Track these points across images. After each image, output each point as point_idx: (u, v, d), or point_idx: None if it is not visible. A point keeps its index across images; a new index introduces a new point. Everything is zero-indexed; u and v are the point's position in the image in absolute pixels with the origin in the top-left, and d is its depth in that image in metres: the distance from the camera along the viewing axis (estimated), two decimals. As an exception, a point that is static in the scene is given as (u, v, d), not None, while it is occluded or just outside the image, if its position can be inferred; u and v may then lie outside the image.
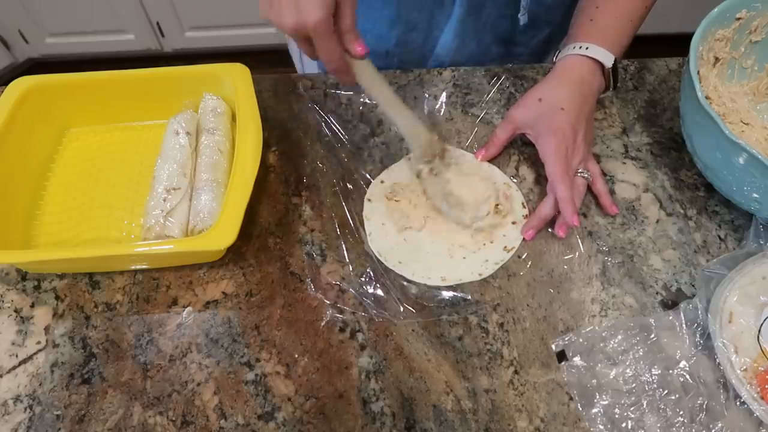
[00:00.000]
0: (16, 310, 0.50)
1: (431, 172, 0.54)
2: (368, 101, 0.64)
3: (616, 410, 0.44)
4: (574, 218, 0.51)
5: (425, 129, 0.53)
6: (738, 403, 0.44)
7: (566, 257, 0.53)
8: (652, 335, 0.47)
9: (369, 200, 0.56)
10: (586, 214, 0.56)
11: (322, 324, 0.49)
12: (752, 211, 0.52)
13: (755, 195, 0.49)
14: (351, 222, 0.54)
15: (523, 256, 0.53)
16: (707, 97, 0.57)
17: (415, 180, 0.56)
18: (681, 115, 0.55)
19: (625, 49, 0.58)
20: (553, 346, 0.48)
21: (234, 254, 0.52)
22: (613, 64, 0.55)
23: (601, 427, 0.44)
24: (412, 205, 0.55)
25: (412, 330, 0.49)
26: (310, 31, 0.43)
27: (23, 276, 0.51)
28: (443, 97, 0.64)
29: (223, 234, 0.46)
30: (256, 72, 0.58)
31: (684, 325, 0.48)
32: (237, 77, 0.56)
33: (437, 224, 0.54)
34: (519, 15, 0.66)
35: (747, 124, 0.60)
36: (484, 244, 0.53)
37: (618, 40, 0.56)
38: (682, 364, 0.46)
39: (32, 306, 0.50)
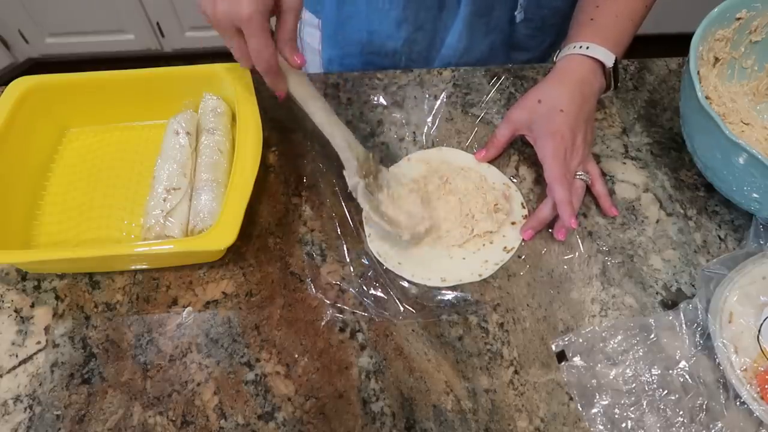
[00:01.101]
0: (16, 310, 0.50)
1: (366, 188, 0.52)
2: (369, 101, 0.64)
3: (616, 410, 0.44)
4: (572, 221, 0.51)
5: (361, 146, 0.52)
6: (738, 403, 0.44)
7: (566, 257, 0.53)
8: (652, 335, 0.47)
9: (369, 200, 0.56)
10: (586, 214, 0.56)
11: (322, 324, 0.49)
12: (752, 211, 0.52)
13: (755, 195, 0.49)
14: (351, 222, 0.54)
15: (523, 257, 0.53)
16: (707, 97, 0.57)
17: (408, 184, 0.56)
18: (681, 115, 0.55)
19: (625, 49, 0.58)
20: (553, 346, 0.48)
21: (234, 254, 0.52)
22: (614, 64, 0.55)
23: (601, 427, 0.44)
24: (405, 213, 0.54)
25: (412, 330, 0.49)
26: (243, 22, 0.42)
27: (23, 276, 0.51)
28: (443, 97, 0.64)
29: (223, 234, 0.46)
30: (256, 72, 0.58)
31: (684, 325, 0.48)
32: (237, 77, 0.56)
33: (436, 229, 0.54)
34: (516, 12, 0.67)
35: (747, 124, 0.60)
36: (484, 245, 0.53)
37: (619, 39, 0.56)
38: (682, 364, 0.46)
39: (32, 306, 0.50)
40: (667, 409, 0.44)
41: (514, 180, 0.58)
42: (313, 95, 0.52)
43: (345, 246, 0.53)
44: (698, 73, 0.50)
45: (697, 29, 0.52)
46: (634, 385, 0.45)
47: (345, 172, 0.52)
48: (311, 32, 0.74)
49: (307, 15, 0.72)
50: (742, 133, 0.59)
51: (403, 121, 0.62)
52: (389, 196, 0.53)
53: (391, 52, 0.70)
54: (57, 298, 0.50)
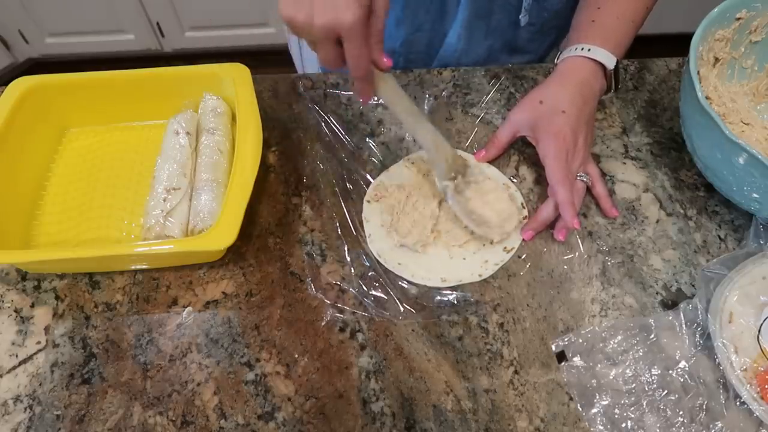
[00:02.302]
0: (16, 310, 0.50)
1: (456, 190, 0.52)
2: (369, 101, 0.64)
3: (616, 410, 0.44)
4: (574, 221, 0.51)
5: (450, 146, 0.52)
6: (738, 403, 0.44)
7: (566, 257, 0.53)
8: (652, 335, 0.47)
9: (368, 202, 0.56)
10: (586, 214, 0.56)
11: (322, 324, 0.49)
12: (752, 211, 0.52)
13: (755, 195, 0.49)
14: (351, 222, 0.54)
15: (523, 257, 0.53)
16: (707, 97, 0.57)
17: (406, 183, 0.56)
18: (681, 115, 0.55)
19: (626, 50, 0.58)
20: (553, 347, 0.48)
21: (234, 254, 0.52)
22: (615, 66, 0.55)
23: (601, 427, 0.44)
24: (410, 220, 0.54)
25: (412, 330, 0.49)
26: (344, 31, 0.40)
27: (23, 276, 0.51)
28: (443, 97, 0.64)
29: (223, 234, 0.46)
30: (256, 72, 0.58)
31: (684, 325, 0.48)
32: (237, 77, 0.56)
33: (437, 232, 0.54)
34: (520, 16, 0.67)
35: (747, 124, 0.60)
36: (484, 245, 0.53)
37: (620, 41, 0.56)
38: (682, 364, 0.46)
39: (32, 306, 0.50)
40: (667, 409, 0.44)
41: (514, 180, 0.58)
42: (401, 98, 0.50)
43: (345, 246, 0.53)
44: (698, 73, 0.50)
45: (697, 29, 0.52)
46: (634, 385, 0.45)
47: (434, 174, 0.53)
48: None
49: None
50: (742, 133, 0.59)
51: (403, 121, 0.62)
52: (479, 191, 0.54)
53: (389, 52, 0.70)
54: (57, 298, 0.50)
